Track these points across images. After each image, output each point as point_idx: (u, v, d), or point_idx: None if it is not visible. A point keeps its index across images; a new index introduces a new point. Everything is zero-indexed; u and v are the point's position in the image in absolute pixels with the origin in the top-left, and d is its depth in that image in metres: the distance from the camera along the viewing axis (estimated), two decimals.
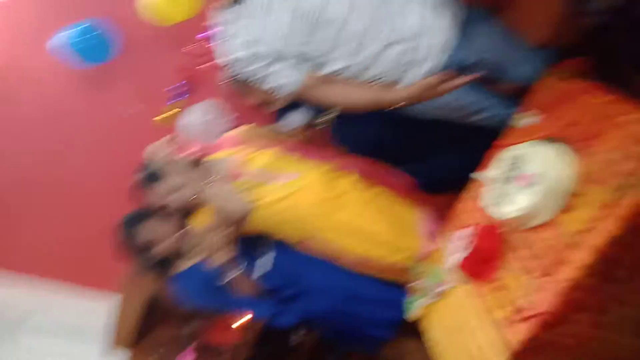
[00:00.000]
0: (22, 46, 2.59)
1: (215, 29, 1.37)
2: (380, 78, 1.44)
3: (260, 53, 1.34)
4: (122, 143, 2.76)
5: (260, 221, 1.68)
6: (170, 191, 1.63)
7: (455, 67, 1.42)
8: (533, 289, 1.18)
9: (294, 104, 2.05)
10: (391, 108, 1.43)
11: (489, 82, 1.65)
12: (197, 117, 2.63)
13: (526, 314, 1.17)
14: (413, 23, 1.36)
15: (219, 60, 1.43)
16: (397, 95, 1.37)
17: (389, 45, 1.38)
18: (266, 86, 1.42)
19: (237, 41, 1.35)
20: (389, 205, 1.79)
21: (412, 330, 1.58)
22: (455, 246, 1.44)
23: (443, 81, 1.31)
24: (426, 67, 1.42)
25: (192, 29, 2.61)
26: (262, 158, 1.79)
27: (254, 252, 1.73)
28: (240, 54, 1.36)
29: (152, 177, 1.64)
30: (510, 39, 1.55)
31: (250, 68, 1.39)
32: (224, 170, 1.74)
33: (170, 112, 2.78)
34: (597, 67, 1.55)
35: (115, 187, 2.79)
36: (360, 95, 1.43)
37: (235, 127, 2.83)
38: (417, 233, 1.76)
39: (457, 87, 1.32)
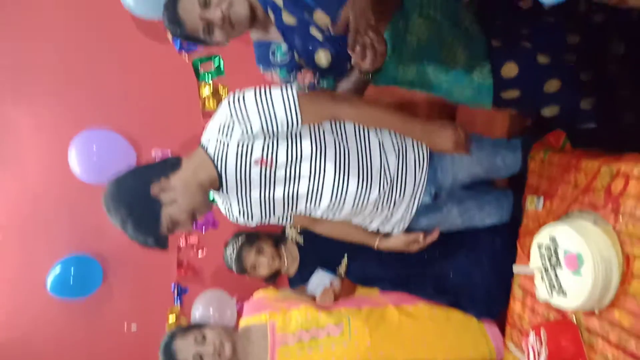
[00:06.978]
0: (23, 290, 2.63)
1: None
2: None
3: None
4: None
5: None
6: None
7: (435, 194, 1.53)
8: None
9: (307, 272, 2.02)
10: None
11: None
12: (203, 311, 2.53)
13: None
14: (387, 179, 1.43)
15: None
16: (381, 244, 1.57)
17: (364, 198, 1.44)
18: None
19: (233, 215, 1.45)
20: (445, 318, 1.69)
21: None
22: (531, 353, 1.31)
23: (417, 240, 1.55)
24: (405, 203, 1.50)
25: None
26: (296, 318, 1.67)
27: None
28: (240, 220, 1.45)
29: None
30: (485, 141, 1.61)
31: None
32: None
33: (175, 315, 2.70)
34: (572, 137, 1.63)
35: None
36: (350, 236, 1.61)
37: (240, 307, 2.75)
38: (485, 336, 1.67)
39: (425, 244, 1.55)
